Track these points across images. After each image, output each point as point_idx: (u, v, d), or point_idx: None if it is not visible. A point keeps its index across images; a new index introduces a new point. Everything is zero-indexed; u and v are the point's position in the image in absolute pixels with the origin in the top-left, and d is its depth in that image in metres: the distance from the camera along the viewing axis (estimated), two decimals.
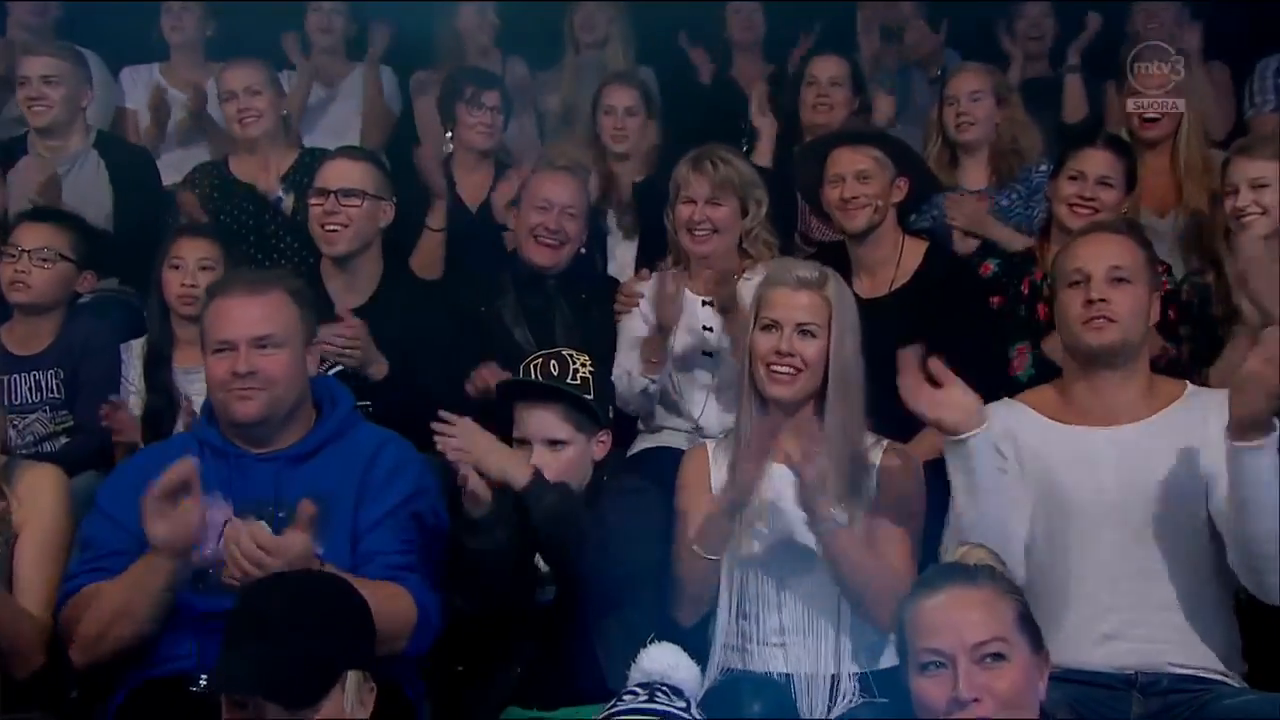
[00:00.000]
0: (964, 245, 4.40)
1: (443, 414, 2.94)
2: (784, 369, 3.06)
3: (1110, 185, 3.94)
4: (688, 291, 3.84)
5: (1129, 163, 4.02)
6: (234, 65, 4.66)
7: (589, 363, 3.17)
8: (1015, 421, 2.99)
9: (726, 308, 3.68)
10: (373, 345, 3.60)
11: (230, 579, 2.69)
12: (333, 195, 3.82)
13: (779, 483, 3.01)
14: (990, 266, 4.05)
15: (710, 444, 3.22)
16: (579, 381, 3.13)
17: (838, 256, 3.95)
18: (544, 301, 4.03)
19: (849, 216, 3.86)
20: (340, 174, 3.87)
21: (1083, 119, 5.01)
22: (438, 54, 5.50)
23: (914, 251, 3.88)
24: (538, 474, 2.95)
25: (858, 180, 3.84)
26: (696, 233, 3.87)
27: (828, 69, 4.90)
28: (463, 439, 2.93)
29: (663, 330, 3.74)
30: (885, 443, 3.11)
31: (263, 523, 2.71)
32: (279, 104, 4.69)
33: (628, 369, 3.81)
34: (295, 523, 2.70)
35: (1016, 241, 4.25)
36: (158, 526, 2.71)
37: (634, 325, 3.94)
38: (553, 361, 3.15)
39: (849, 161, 3.86)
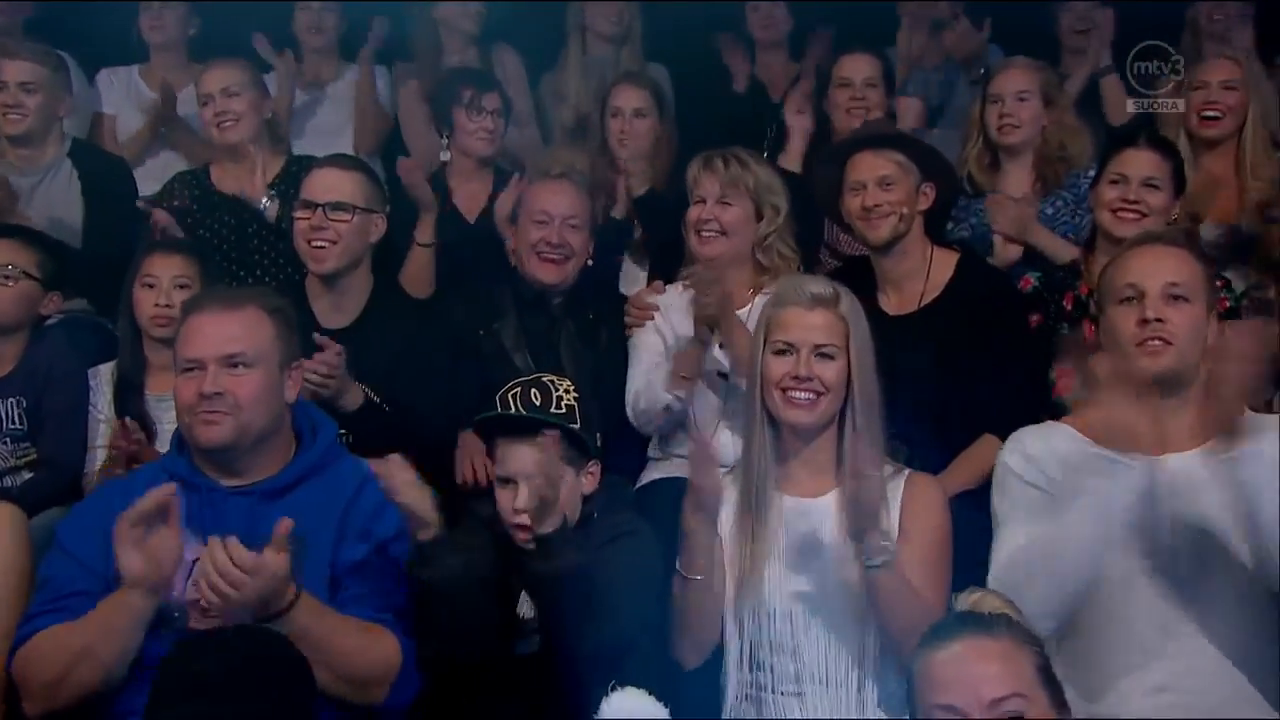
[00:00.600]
0: (1005, 254, 4.39)
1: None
2: (803, 394, 3.06)
3: (1156, 187, 3.94)
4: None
5: (1175, 162, 4.02)
6: (212, 67, 4.67)
7: (573, 389, 3.17)
8: (1062, 446, 2.97)
9: (711, 322, 3.68)
10: (348, 374, 3.58)
11: (202, 606, 2.68)
12: (320, 209, 3.83)
13: (790, 516, 3.04)
14: (1031, 280, 4.03)
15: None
16: (563, 410, 3.11)
17: (864, 271, 3.95)
18: (547, 323, 4.03)
19: (871, 227, 3.86)
20: (328, 185, 3.87)
21: (1129, 120, 5.00)
22: (416, 47, 5.50)
23: (945, 263, 3.88)
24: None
25: (880, 187, 3.84)
26: (703, 233, 3.89)
27: (861, 69, 4.88)
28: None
29: (700, 337, 3.70)
30: (907, 472, 3.11)
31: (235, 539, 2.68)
32: (261, 106, 4.68)
33: (640, 388, 3.82)
34: (272, 541, 2.69)
35: (1065, 252, 4.23)
36: (130, 558, 2.69)
37: (649, 341, 3.94)
38: (533, 390, 3.13)
39: (870, 167, 3.87)
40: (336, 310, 3.89)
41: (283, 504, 2.93)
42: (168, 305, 3.87)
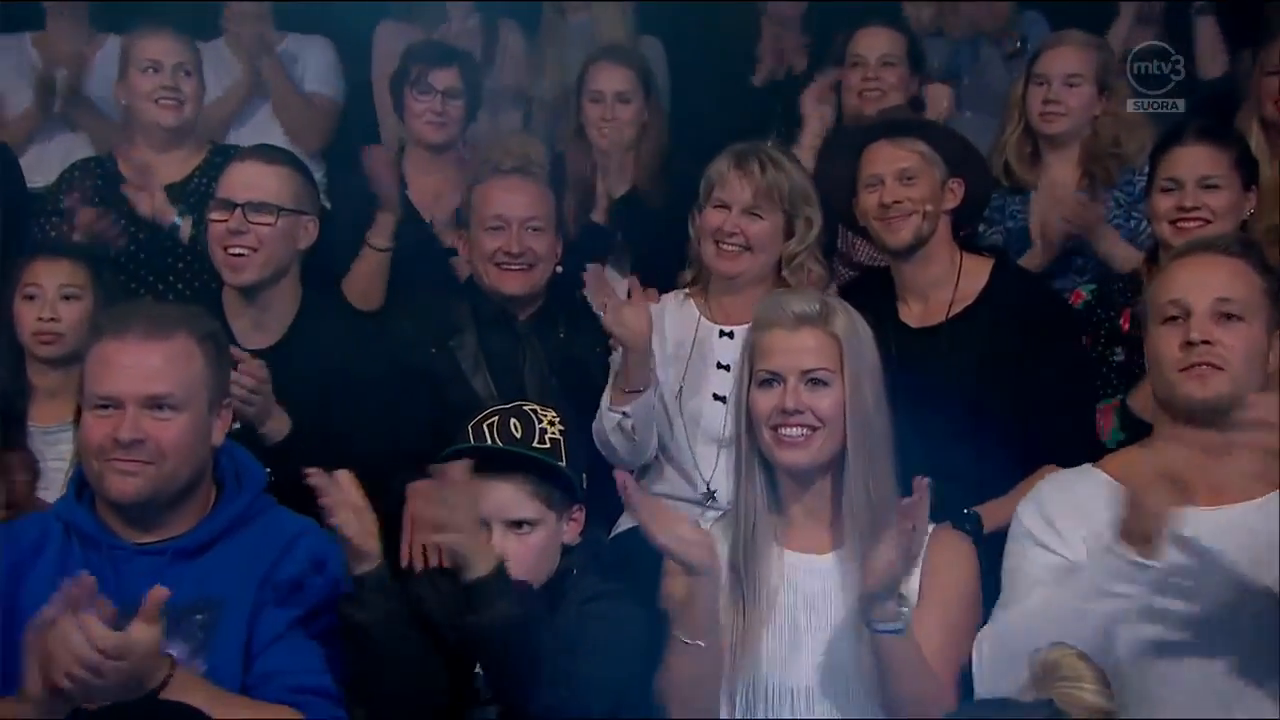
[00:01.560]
0: (1039, 257, 4.37)
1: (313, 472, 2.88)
2: (795, 430, 3.03)
3: (1216, 187, 3.92)
4: (703, 319, 3.88)
5: (1237, 151, 3.99)
6: (161, 34, 4.68)
7: (559, 420, 3.14)
8: (1090, 497, 2.94)
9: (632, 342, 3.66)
10: (273, 397, 3.56)
11: (65, 684, 2.60)
12: (239, 210, 3.80)
13: (790, 572, 3.04)
14: (1082, 294, 4.03)
15: (704, 524, 3.21)
16: (548, 445, 3.09)
17: (882, 283, 3.92)
18: (511, 341, 4.02)
19: (890, 228, 3.82)
20: (249, 182, 3.85)
21: (1222, 74, 4.95)
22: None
23: (977, 271, 3.86)
24: (501, 568, 2.90)
25: (900, 182, 3.80)
26: (725, 246, 3.86)
27: (876, 44, 4.85)
28: (441, 502, 2.89)
29: (633, 347, 3.67)
30: (931, 526, 3.05)
31: (94, 616, 2.62)
32: (201, 95, 4.73)
33: (601, 424, 3.80)
34: (140, 614, 2.63)
35: (1129, 259, 4.21)
36: (34, 673, 2.63)
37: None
38: (513, 420, 3.11)
39: (889, 158, 3.83)
40: (259, 328, 3.85)
41: (198, 564, 2.92)
42: (53, 319, 3.86)
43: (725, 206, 3.84)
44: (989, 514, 3.53)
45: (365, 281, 4.34)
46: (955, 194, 3.85)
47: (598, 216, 4.63)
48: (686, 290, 3.97)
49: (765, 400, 3.06)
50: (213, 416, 2.99)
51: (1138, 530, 2.70)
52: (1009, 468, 3.63)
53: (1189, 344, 2.89)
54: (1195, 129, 4.03)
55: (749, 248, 3.84)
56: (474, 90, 4.89)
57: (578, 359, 4.01)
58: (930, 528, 3.04)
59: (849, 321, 3.09)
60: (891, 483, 3.04)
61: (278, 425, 3.58)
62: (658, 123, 4.81)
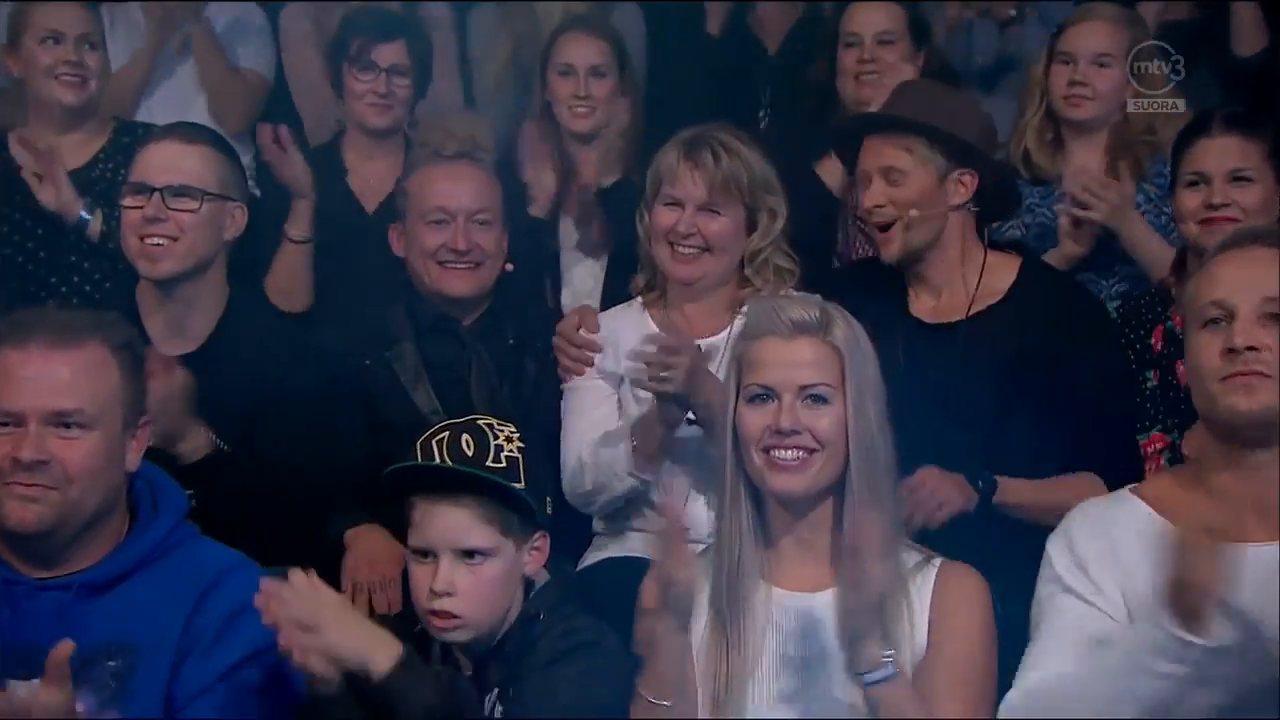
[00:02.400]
0: (1065, 252, 4.39)
1: (268, 582, 2.84)
2: (789, 452, 3.02)
3: (1248, 179, 3.96)
4: (656, 329, 3.84)
5: (1270, 143, 4.01)
6: (58, 1, 4.68)
7: (517, 435, 3.14)
8: (1128, 535, 2.93)
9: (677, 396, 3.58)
10: (189, 408, 3.55)
11: None
12: (157, 194, 3.79)
13: (777, 613, 3.04)
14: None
15: None
16: (504, 463, 3.09)
17: (887, 269, 3.90)
18: (456, 349, 4.01)
19: (879, 243, 3.85)
20: (169, 163, 3.84)
21: (1260, 50, 5.01)
22: None
23: (1002, 268, 3.86)
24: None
25: (886, 181, 3.80)
26: (681, 249, 3.84)
27: (873, 20, 4.86)
28: (301, 605, 2.82)
29: (670, 410, 3.61)
30: (939, 561, 3.08)
31: None
32: (107, 70, 4.76)
33: (584, 458, 3.78)
34: (47, 672, 2.65)
35: (1166, 259, 4.21)
36: None
37: (594, 389, 3.91)
38: (465, 436, 3.10)
39: (875, 155, 3.83)
40: (177, 330, 3.84)
41: (107, 602, 2.93)
42: None
43: (678, 204, 3.82)
44: (1009, 490, 3.53)
45: (286, 278, 4.37)
46: (966, 187, 3.82)
47: (570, 210, 4.66)
48: (641, 299, 3.96)
49: (756, 418, 3.05)
50: (127, 436, 2.98)
51: (1185, 605, 2.65)
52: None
53: (1232, 351, 2.87)
54: (1223, 117, 4.05)
55: (708, 249, 3.82)
56: (423, 66, 4.89)
57: (529, 369, 4.01)
58: (937, 562, 3.06)
59: (850, 331, 3.08)
60: (895, 512, 3.06)
61: (195, 443, 3.56)
62: (633, 101, 4.83)
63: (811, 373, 3.04)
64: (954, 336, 3.77)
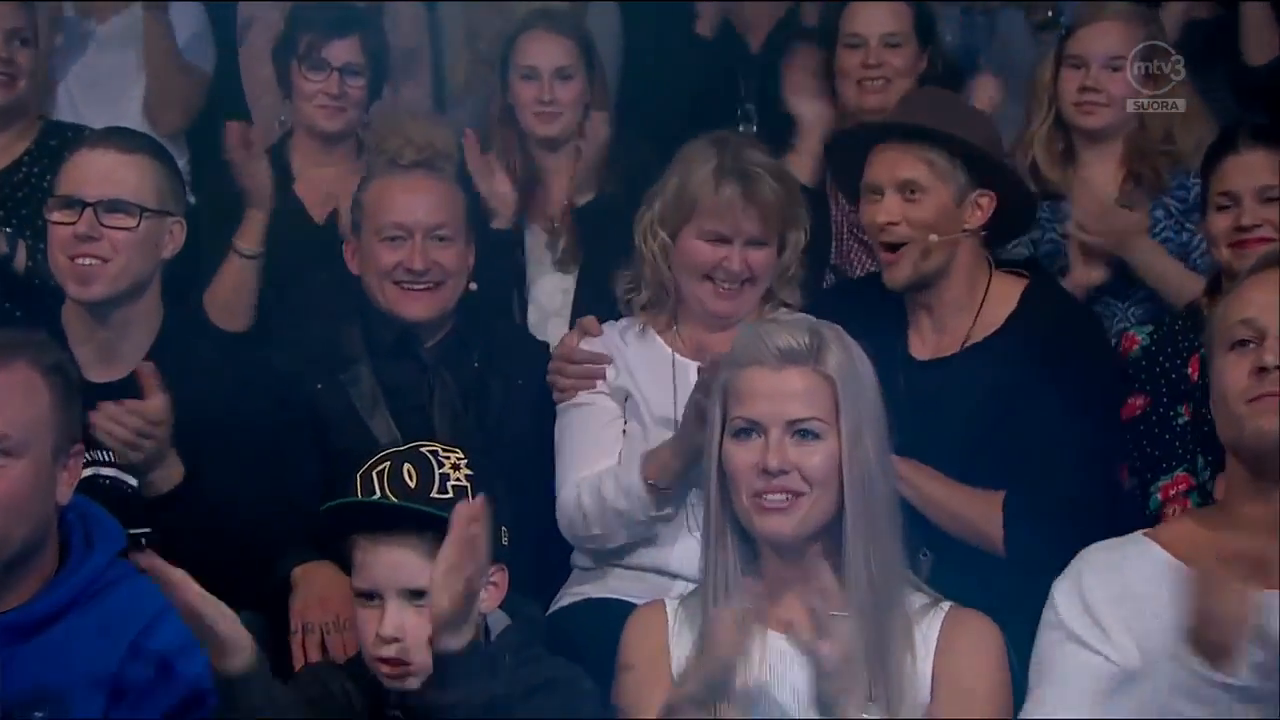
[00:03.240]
0: (1083, 278, 4.35)
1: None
2: (778, 495, 3.03)
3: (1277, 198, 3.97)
4: (676, 356, 3.91)
5: None
6: None
7: (464, 462, 3.16)
8: (1142, 581, 2.93)
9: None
10: (169, 437, 3.53)
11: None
12: (89, 210, 3.75)
13: (776, 661, 3.04)
14: (1137, 339, 4.03)
15: (671, 602, 3.22)
16: (449, 493, 3.09)
17: (887, 300, 3.90)
18: (417, 373, 4.01)
19: (886, 265, 3.86)
20: (102, 174, 3.79)
21: (1272, 59, 4.99)
22: None
23: (1006, 292, 3.88)
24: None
25: (901, 196, 3.79)
26: (724, 285, 3.89)
27: (877, 20, 4.83)
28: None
29: (692, 441, 3.54)
30: (946, 606, 3.10)
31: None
32: (38, 67, 4.76)
33: (584, 494, 3.78)
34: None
35: (1185, 284, 4.24)
36: None
37: (598, 411, 3.91)
38: (407, 466, 3.12)
39: (889, 166, 3.82)
40: (108, 357, 3.80)
41: (36, 646, 2.93)
42: None
43: (723, 240, 3.85)
44: (909, 469, 3.54)
45: (229, 294, 4.37)
46: (983, 210, 3.84)
47: (539, 222, 4.66)
48: (642, 320, 3.98)
49: (742, 455, 3.04)
50: (58, 465, 2.98)
51: (1210, 642, 2.67)
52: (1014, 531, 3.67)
53: (1262, 370, 2.86)
54: (1249, 131, 4.06)
55: (750, 279, 3.89)
56: (378, 64, 4.89)
57: (495, 392, 4.01)
58: (945, 606, 3.08)
59: (845, 357, 3.07)
60: (898, 553, 3.06)
61: (169, 474, 3.55)
62: (602, 106, 4.87)
63: (801, 406, 3.03)
64: (946, 373, 3.80)
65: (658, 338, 3.95)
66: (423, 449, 3.17)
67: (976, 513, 3.60)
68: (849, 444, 3.02)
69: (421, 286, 3.96)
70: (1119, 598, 2.92)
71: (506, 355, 4.05)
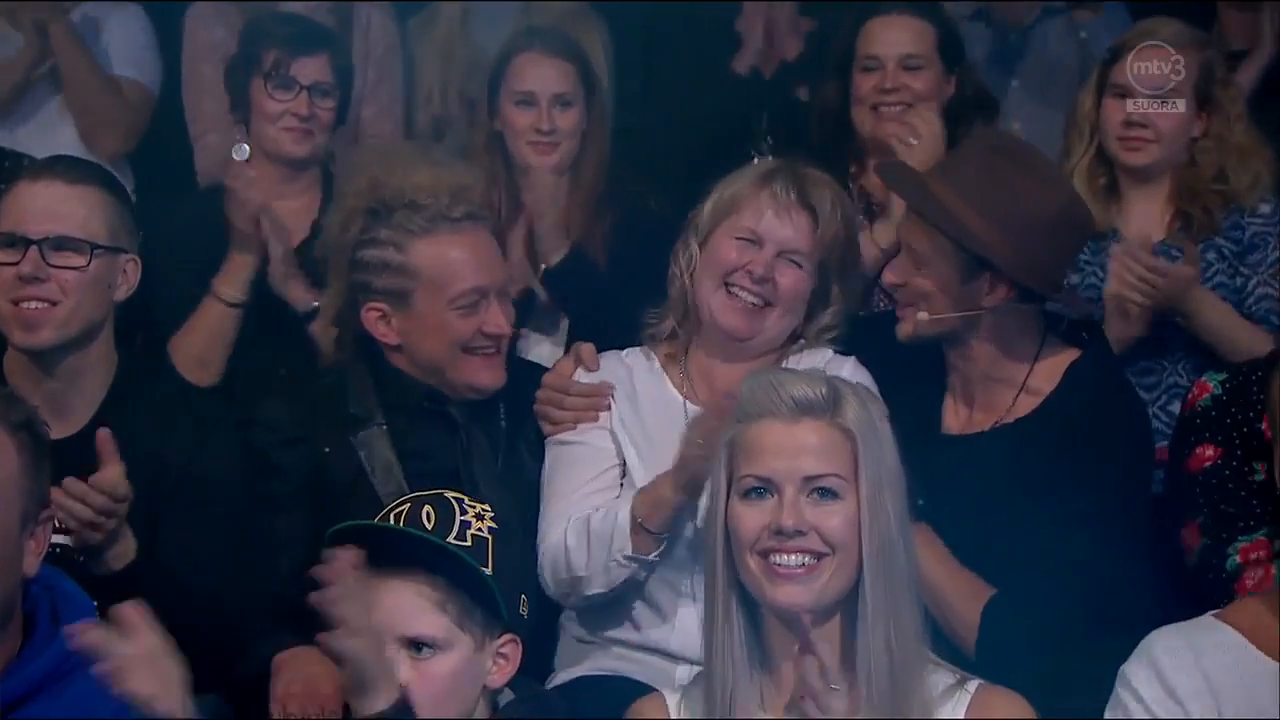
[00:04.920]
0: (1121, 331, 4.36)
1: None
2: (792, 558, 3.02)
3: None
4: (687, 402, 3.93)
5: None
6: None
7: (489, 514, 3.16)
8: (1221, 666, 2.95)
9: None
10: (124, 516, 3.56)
11: None
12: (34, 248, 3.78)
13: None
14: (1208, 388, 4.02)
15: (672, 695, 3.23)
16: (469, 542, 3.10)
17: (924, 365, 3.95)
18: (444, 433, 3.99)
19: (899, 314, 3.91)
20: (48, 209, 3.82)
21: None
22: None
23: (1052, 369, 3.90)
24: (404, 702, 2.93)
25: (909, 256, 3.86)
26: (742, 294, 3.91)
27: (897, 40, 4.83)
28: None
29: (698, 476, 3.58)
30: (974, 685, 3.10)
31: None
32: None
33: (567, 539, 3.81)
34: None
35: (1245, 342, 4.28)
36: None
37: (591, 451, 3.94)
38: (427, 508, 3.12)
39: (904, 228, 3.91)
40: (57, 411, 3.79)
41: None
42: None
43: (753, 241, 3.88)
44: (926, 541, 3.60)
45: (205, 345, 4.39)
46: (997, 295, 3.84)
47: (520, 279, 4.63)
48: (657, 351, 4.02)
49: (753, 517, 3.04)
50: (25, 535, 2.94)
51: None
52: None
53: None
54: None
55: (772, 303, 3.91)
56: (346, 86, 4.93)
57: (522, 451, 4.03)
58: (972, 686, 3.07)
59: (863, 411, 3.08)
60: (918, 628, 3.05)
61: (123, 550, 3.57)
62: (600, 137, 4.86)
63: (818, 461, 3.03)
64: (972, 451, 3.83)
65: (666, 377, 3.98)
66: (447, 494, 3.17)
67: (963, 608, 3.64)
68: (869, 506, 3.02)
69: (494, 351, 3.96)
70: (1203, 687, 2.93)
71: (530, 407, 4.03)
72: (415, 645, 3.02)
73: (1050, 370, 3.87)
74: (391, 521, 3.12)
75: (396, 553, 3.05)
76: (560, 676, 3.85)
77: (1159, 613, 3.53)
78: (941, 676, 3.07)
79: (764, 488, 3.04)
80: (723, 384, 3.84)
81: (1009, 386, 3.87)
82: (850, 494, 3.03)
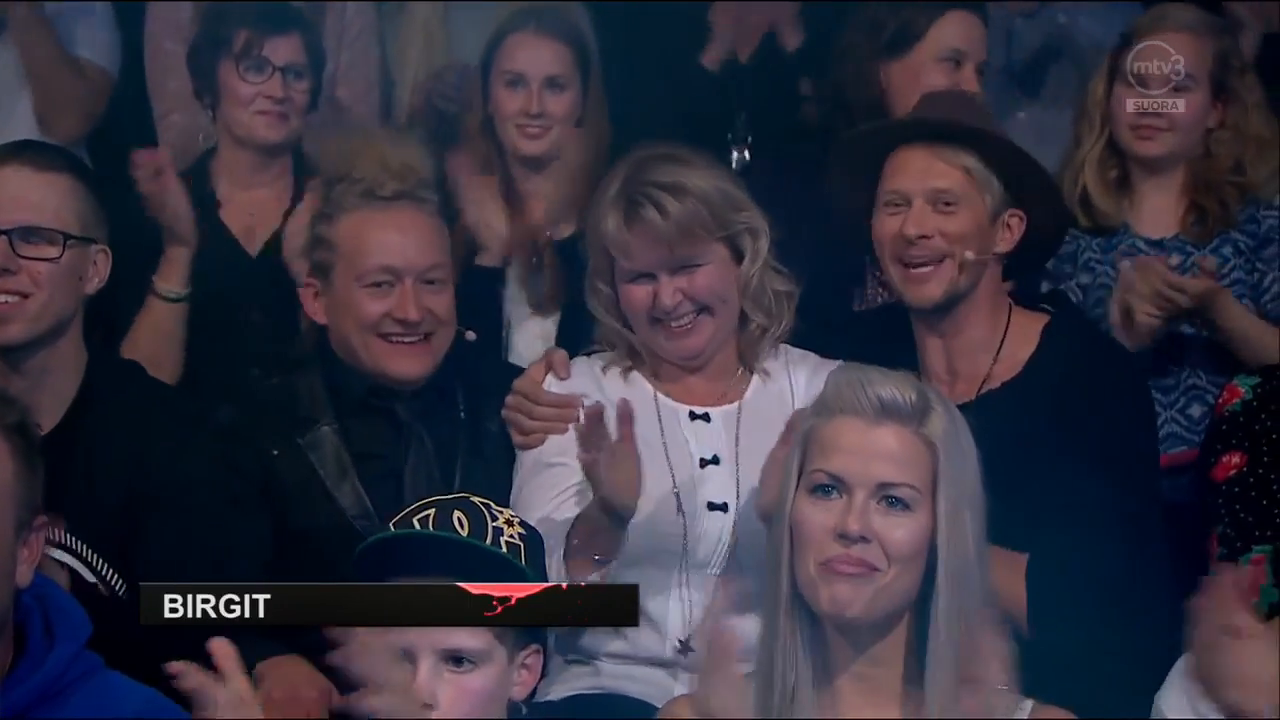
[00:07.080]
0: (1137, 328, 4.36)
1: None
2: (854, 568, 3.00)
3: None
4: (661, 398, 3.92)
5: None
6: None
7: (518, 520, 3.16)
8: None
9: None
10: None
11: None
12: (4, 238, 3.78)
13: None
14: (1239, 391, 4.02)
15: (679, 690, 3.31)
16: (504, 549, 3.09)
17: (900, 326, 3.99)
18: (391, 432, 4.00)
19: (912, 281, 3.91)
20: (17, 197, 3.82)
21: None
22: None
23: (1027, 333, 3.97)
24: None
25: (933, 207, 3.84)
26: (674, 324, 3.89)
27: (969, 36, 4.77)
28: None
29: (613, 507, 3.61)
30: (1028, 706, 3.07)
31: None
32: None
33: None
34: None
35: (1269, 345, 4.30)
36: None
37: (551, 472, 3.92)
38: (458, 514, 3.10)
39: (920, 171, 3.88)
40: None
41: None
42: None
43: (649, 276, 3.86)
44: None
45: (150, 343, 4.39)
46: (1012, 232, 3.92)
47: (521, 257, 4.68)
48: (621, 362, 4.01)
49: (818, 515, 3.02)
50: (19, 542, 2.94)
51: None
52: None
53: None
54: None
55: (705, 308, 3.88)
56: (318, 68, 4.93)
57: (489, 443, 4.02)
58: (1027, 706, 3.05)
59: (951, 425, 3.05)
60: (1003, 644, 3.02)
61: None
62: (598, 121, 4.89)
63: (894, 469, 3.01)
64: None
65: (640, 378, 3.95)
66: (473, 499, 3.15)
67: (1004, 580, 3.56)
68: (948, 521, 3.01)
69: (413, 339, 3.94)
70: None
71: (500, 399, 4.00)
72: (455, 659, 3.01)
73: (1022, 334, 3.93)
74: (417, 526, 3.10)
75: (428, 561, 3.03)
76: (558, 689, 3.84)
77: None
78: (1013, 699, 3.05)
79: (833, 486, 3.02)
80: (697, 383, 3.90)
81: (986, 353, 3.91)
82: (922, 508, 3.02)
